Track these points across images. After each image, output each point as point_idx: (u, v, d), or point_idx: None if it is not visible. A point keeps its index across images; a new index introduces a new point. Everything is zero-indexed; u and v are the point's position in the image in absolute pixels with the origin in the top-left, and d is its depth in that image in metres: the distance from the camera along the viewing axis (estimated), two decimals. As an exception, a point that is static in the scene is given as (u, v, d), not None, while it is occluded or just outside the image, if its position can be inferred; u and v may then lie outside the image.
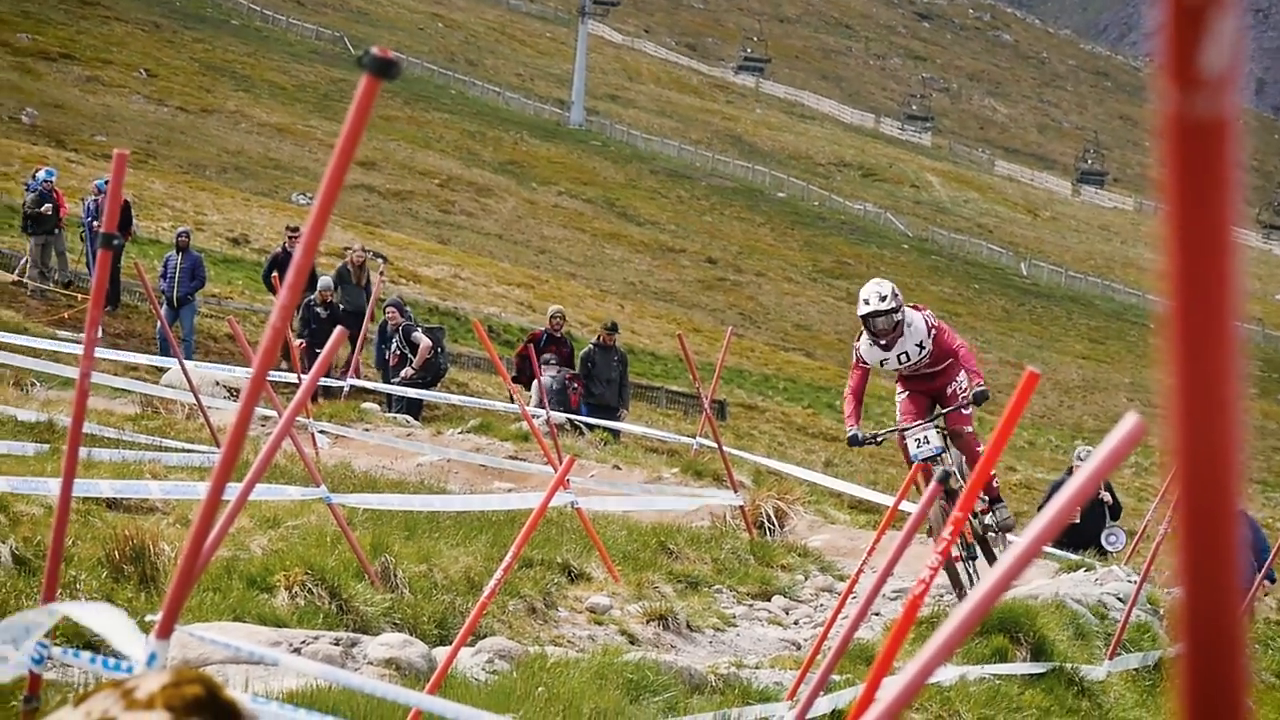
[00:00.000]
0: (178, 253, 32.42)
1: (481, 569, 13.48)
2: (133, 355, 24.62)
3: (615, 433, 27.24)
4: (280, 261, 30.49)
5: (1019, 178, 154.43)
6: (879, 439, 16.23)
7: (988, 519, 16.12)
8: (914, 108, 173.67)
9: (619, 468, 23.19)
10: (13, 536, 12.16)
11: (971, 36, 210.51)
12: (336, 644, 10.61)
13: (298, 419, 13.96)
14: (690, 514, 20.15)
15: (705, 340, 63.53)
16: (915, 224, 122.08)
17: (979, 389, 15.76)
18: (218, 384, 23.81)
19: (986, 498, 16.02)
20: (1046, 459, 55.79)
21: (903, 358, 15.86)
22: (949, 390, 16.02)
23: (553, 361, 28.59)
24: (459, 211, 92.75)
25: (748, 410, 52.73)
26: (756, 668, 12.66)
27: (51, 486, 11.57)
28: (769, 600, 16.38)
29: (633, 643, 13.51)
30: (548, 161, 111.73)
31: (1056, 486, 23.81)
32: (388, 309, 29.24)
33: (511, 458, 22.05)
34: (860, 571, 10.62)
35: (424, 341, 28.32)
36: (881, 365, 15.99)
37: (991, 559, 15.72)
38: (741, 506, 19.41)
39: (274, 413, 16.53)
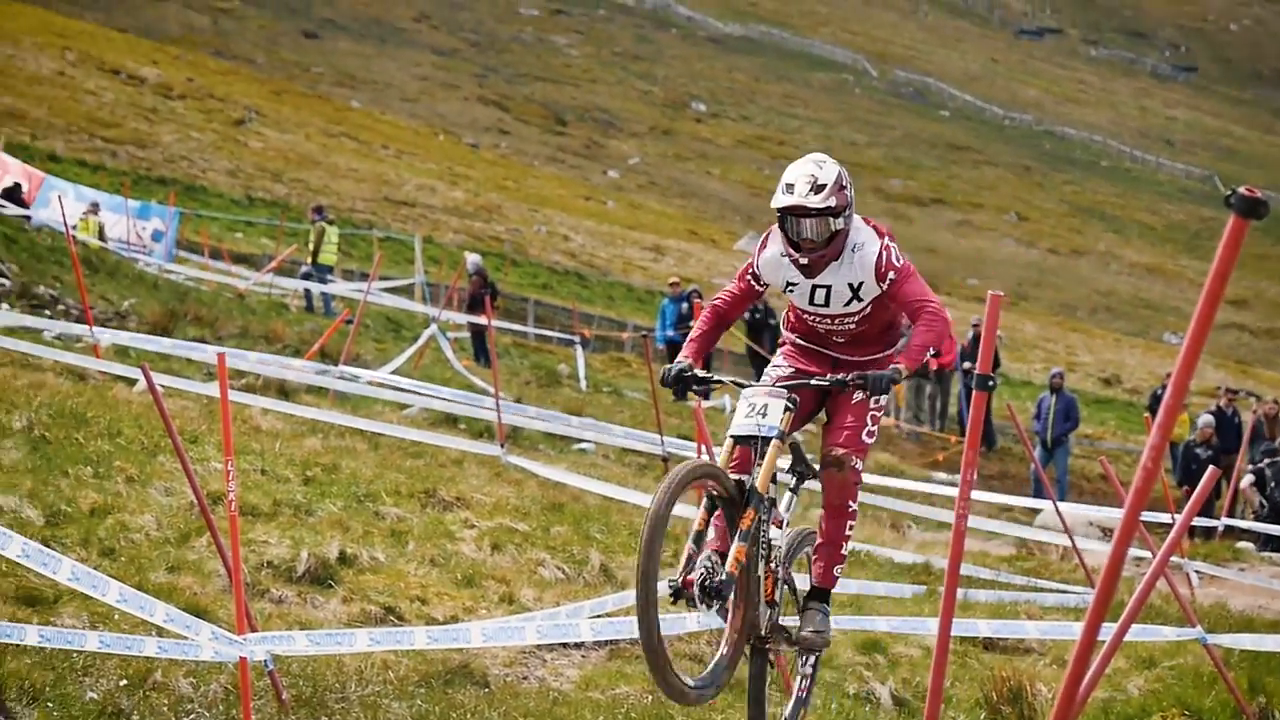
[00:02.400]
0: (1051, 394, 32.65)
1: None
2: (1006, 497, 24.81)
3: None
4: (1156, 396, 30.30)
5: None
6: (707, 386, 9.24)
7: (786, 621, 9.29)
8: None
9: None
10: (891, 678, 12.58)
11: None
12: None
13: (1172, 559, 13.88)
14: None
15: None
16: None
17: (892, 369, 9.02)
18: (1091, 524, 23.80)
19: (811, 587, 9.41)
20: None
21: (819, 295, 9.19)
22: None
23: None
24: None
25: None
26: None
27: (929, 627, 11.90)
28: None
29: None
30: None
31: None
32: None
33: (1394, 599, 21.17)
34: None
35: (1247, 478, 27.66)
36: (786, 291, 9.33)
37: (759, 680, 9.37)
38: None
39: (1147, 553, 16.47)
